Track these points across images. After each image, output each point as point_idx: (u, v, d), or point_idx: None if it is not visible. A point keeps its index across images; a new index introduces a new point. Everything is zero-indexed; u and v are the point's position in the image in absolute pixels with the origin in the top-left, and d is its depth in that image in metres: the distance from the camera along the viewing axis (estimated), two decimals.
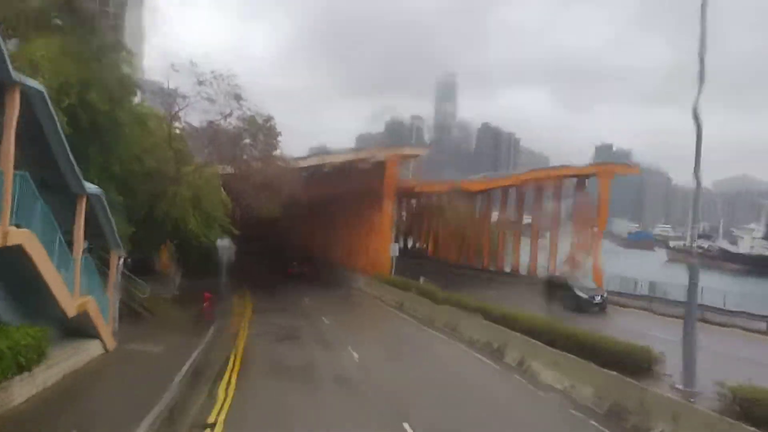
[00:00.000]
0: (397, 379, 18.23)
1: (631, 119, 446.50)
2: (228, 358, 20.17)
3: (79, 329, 17.25)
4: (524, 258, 60.40)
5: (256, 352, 22.22)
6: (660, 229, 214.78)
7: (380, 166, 44.71)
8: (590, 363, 15.91)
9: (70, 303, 15.11)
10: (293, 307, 36.16)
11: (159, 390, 14.35)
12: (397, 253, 43.08)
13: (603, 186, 49.13)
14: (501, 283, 51.02)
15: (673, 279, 50.28)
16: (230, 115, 30.48)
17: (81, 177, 15.00)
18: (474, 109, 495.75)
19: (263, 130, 31.71)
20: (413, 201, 77.18)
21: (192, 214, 32.78)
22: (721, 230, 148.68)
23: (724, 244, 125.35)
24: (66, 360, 15.53)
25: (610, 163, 49.25)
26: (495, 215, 68.41)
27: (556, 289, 34.60)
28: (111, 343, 19.08)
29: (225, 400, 14.91)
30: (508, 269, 60.66)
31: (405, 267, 43.90)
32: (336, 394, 16.69)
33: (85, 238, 21.30)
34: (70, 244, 22.42)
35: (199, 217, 33.48)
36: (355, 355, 21.20)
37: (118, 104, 25.32)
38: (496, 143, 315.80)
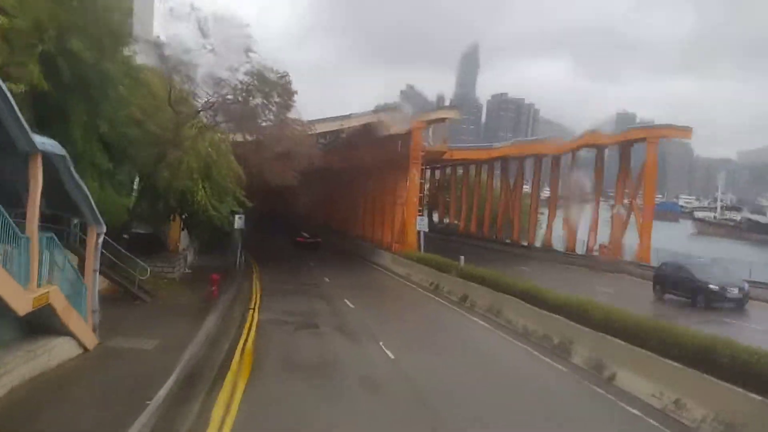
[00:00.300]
0: (448, 387, 14.42)
1: (652, 90, 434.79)
2: (233, 355, 16.58)
3: (50, 326, 13.76)
4: (558, 232, 56.45)
5: (267, 346, 18.58)
6: (684, 200, 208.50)
7: (405, 131, 40.64)
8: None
9: (20, 296, 11.49)
10: (312, 287, 32.57)
11: (133, 411, 10.76)
12: (426, 228, 39.19)
13: (651, 152, 44.53)
14: (540, 260, 47.14)
15: (705, 253, 46.90)
16: (238, 69, 26.55)
17: (28, 130, 11.27)
18: (494, 81, 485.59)
19: (277, 89, 27.73)
20: (437, 171, 73.32)
21: (200, 185, 29.25)
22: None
23: (756, 217, 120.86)
24: (18, 368, 12.00)
25: (662, 126, 44.49)
26: (526, 187, 64.44)
27: (671, 277, 28.47)
28: (90, 340, 15.54)
29: (224, 420, 11.32)
30: (538, 244, 56.72)
31: (433, 243, 40.06)
32: (370, 406, 12.94)
33: (58, 211, 17.80)
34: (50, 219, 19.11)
35: (209, 188, 29.95)
36: (389, 353, 17.43)
37: (107, 55, 21.57)
38: (516, 114, 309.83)
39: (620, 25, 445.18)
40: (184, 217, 31.60)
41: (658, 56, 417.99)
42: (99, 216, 15.92)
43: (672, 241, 52.33)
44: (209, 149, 29.90)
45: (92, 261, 16.24)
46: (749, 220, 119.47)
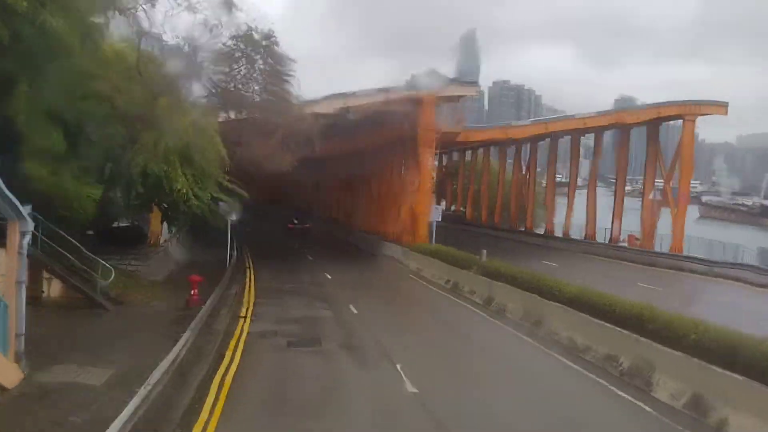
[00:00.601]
0: None
1: (653, 76, 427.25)
2: (206, 395, 12.55)
3: None
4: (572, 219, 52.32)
5: (255, 373, 14.58)
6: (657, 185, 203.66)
7: (416, 110, 36.40)
8: None
9: None
10: (313, 286, 28.56)
11: None
12: (439, 217, 35.03)
13: (687, 131, 40.20)
14: (562, 252, 43.06)
15: (713, 237, 42.19)
16: (218, 27, 22.31)
17: None
18: (495, 68, 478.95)
19: (262, 53, 23.50)
20: (444, 156, 68.92)
21: (180, 170, 25.24)
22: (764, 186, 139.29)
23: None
24: None
25: (698, 102, 40.16)
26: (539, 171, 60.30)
27: None
28: (9, 376, 11.52)
29: None
30: (556, 233, 52.52)
31: (441, 233, 35.85)
32: None
33: None
34: None
35: (190, 174, 25.95)
36: (409, 384, 13.33)
37: (53, 11, 17.42)
38: (517, 101, 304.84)
39: (622, 10, 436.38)
40: (164, 207, 27.49)
41: (660, 42, 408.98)
42: (20, 208, 11.80)
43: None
44: (190, 128, 25.84)
45: (15, 269, 12.15)
46: (763, 205, 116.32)
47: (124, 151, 23.17)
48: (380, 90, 35.88)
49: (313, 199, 72.69)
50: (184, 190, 25.02)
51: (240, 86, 24.41)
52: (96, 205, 23.33)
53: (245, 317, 21.01)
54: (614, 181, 49.89)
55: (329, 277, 31.35)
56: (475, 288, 24.81)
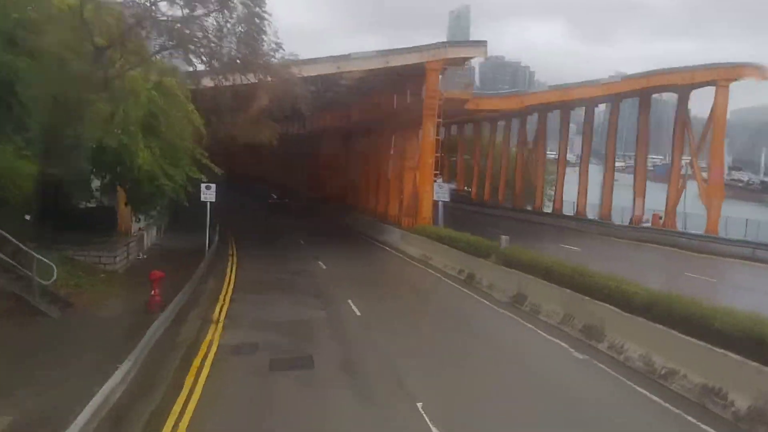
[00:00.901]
0: None
1: (647, 51, 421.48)
2: None
3: None
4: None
5: (221, 412, 10.58)
6: (683, 160, 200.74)
7: (418, 76, 32.12)
8: None
9: None
10: (303, 277, 24.52)
11: None
12: (447, 197, 30.83)
13: (720, 100, 35.92)
14: (580, 234, 39.22)
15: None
16: None
17: None
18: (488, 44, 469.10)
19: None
20: (444, 129, 64.34)
21: (142, 143, 21.05)
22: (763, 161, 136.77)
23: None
24: None
25: (735, 64, 35.87)
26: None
27: None
28: None
29: None
30: (568, 212, 48.56)
31: (443, 214, 31.77)
32: None
33: None
34: None
35: (157, 148, 21.80)
36: None
37: None
38: (513, 77, 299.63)
39: None
40: (126, 188, 23.24)
41: (654, 18, 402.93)
42: None
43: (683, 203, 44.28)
44: (154, 93, 21.54)
45: None
46: (763, 182, 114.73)
47: (72, 119, 18.90)
48: (378, 53, 31.51)
49: (303, 177, 68.38)
50: (147, 167, 20.80)
51: (213, 39, 19.99)
52: (34, 183, 19.16)
53: (218, 321, 17.00)
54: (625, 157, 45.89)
55: (323, 266, 27.29)
56: (497, 281, 20.78)
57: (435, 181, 31.33)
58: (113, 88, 19.87)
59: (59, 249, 21.69)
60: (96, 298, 18.51)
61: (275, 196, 61.04)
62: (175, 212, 35.47)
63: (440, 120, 31.78)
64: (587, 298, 15.11)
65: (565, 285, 16.54)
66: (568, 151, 51.94)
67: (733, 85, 35.72)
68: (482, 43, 31.39)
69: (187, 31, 18.78)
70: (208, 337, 15.35)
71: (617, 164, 48.97)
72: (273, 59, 21.08)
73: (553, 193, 58.24)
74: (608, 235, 38.55)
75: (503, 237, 22.16)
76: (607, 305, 14.17)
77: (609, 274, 15.68)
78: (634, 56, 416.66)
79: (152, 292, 17.40)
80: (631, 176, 43.83)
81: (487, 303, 19.75)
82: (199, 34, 19.09)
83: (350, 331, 16.34)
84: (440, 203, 30.31)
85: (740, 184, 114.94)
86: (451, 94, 31.79)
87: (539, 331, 16.06)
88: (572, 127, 67.06)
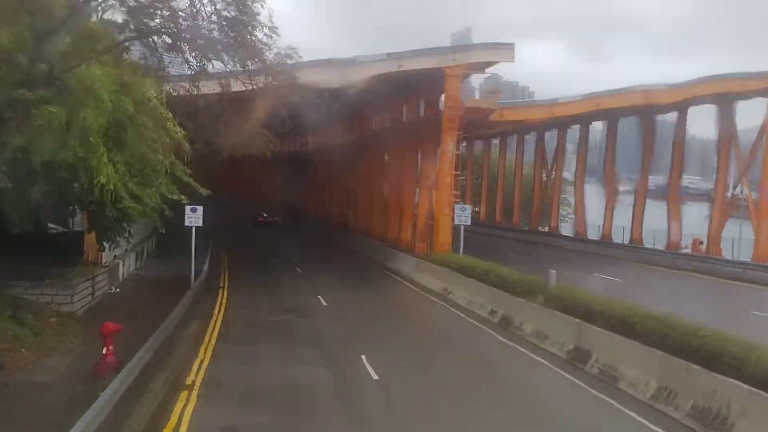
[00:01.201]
0: None
1: (646, 72, 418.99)
2: None
3: None
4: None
5: None
6: (687, 180, 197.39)
7: (435, 83, 28.24)
8: None
9: None
10: (300, 320, 20.34)
11: None
12: (468, 221, 26.70)
13: None
14: (613, 260, 35.09)
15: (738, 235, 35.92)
16: None
17: None
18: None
19: None
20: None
21: (104, 156, 17.02)
22: None
23: None
24: None
25: None
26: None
27: None
28: None
29: None
30: (593, 236, 44.42)
31: (455, 237, 27.65)
32: None
33: None
34: None
35: (122, 163, 17.76)
36: None
37: None
38: (512, 97, 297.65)
39: (615, 6, 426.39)
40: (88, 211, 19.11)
41: (653, 38, 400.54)
42: None
43: (691, 225, 40.34)
44: (121, 96, 17.48)
45: None
46: None
47: (9, 126, 14.94)
48: (389, 55, 27.54)
49: (305, 196, 64.31)
50: (111, 186, 16.70)
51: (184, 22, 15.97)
52: None
53: (193, 388, 12.83)
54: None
55: (323, 302, 23.12)
56: (545, 329, 16.60)
57: (456, 202, 27.31)
58: (66, 88, 15.90)
59: (9, 286, 17.91)
60: (35, 356, 14.36)
61: (265, 215, 61.00)
62: (164, 233, 31.76)
63: (461, 133, 27.73)
64: (696, 367, 10.93)
65: (652, 343, 12.37)
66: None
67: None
68: (509, 46, 27.46)
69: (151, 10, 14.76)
70: (173, 419, 11.17)
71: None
72: (266, 49, 16.96)
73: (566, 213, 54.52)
74: (644, 262, 34.42)
75: (551, 272, 18.00)
76: (736, 382, 9.99)
77: (724, 335, 11.44)
78: (635, 77, 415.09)
79: (103, 351, 13.22)
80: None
81: (536, 358, 15.54)
82: (166, 13, 15.06)
83: (367, 408, 12.12)
84: (462, 228, 26.18)
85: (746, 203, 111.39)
86: (475, 103, 27.71)
87: (626, 410, 11.78)
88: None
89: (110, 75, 17.05)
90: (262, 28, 15.70)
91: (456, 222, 26.42)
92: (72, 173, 16.58)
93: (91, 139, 16.62)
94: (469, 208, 27.69)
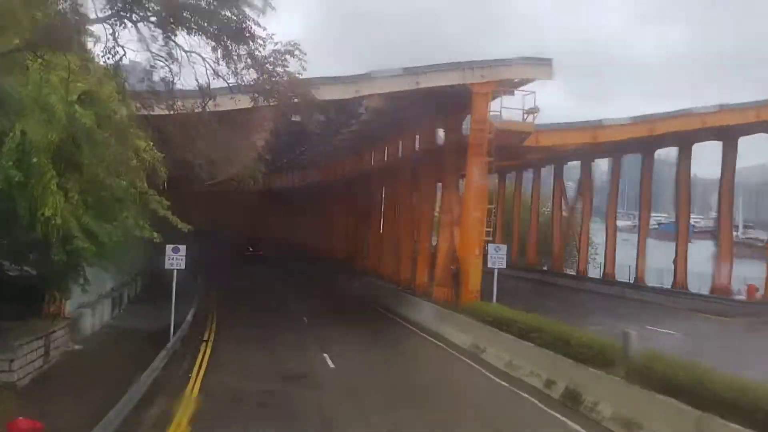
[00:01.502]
0: None
1: (647, 111, 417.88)
2: None
3: None
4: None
5: None
6: (692, 218, 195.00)
7: (458, 103, 24.44)
8: None
9: None
10: (300, 391, 15.90)
11: None
12: (504, 263, 22.53)
13: None
14: (665, 311, 30.80)
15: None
16: None
17: None
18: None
19: None
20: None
21: (52, 182, 13.20)
22: None
23: None
24: None
25: None
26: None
27: None
28: None
29: None
30: (624, 278, 40.10)
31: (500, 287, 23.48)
32: None
33: None
34: None
35: (75, 191, 13.89)
36: None
37: None
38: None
39: (612, 47, 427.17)
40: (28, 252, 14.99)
41: (650, 78, 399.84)
42: None
43: (697, 263, 36.49)
44: (75, 107, 13.53)
45: None
46: None
47: None
48: (406, 70, 23.72)
49: (307, 232, 60.37)
50: (59, 220, 12.72)
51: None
52: None
53: None
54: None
55: (330, 364, 18.79)
56: (633, 415, 12.23)
57: (489, 241, 23.23)
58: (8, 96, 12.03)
59: None
60: None
61: (251, 249, 59.13)
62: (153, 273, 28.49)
63: (491, 159, 23.73)
64: None
65: None
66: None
67: None
68: (547, 62, 23.64)
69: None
70: None
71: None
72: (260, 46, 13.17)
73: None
74: (694, 310, 30.13)
75: (631, 333, 13.71)
76: None
77: None
78: (629, 114, 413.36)
79: None
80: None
81: None
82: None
83: None
84: (496, 271, 22.00)
85: (760, 243, 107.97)
86: (507, 125, 23.62)
87: None
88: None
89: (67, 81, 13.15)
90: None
91: (490, 265, 22.29)
92: (8, 203, 12.76)
93: (34, 159, 12.84)
94: (504, 248, 23.52)
